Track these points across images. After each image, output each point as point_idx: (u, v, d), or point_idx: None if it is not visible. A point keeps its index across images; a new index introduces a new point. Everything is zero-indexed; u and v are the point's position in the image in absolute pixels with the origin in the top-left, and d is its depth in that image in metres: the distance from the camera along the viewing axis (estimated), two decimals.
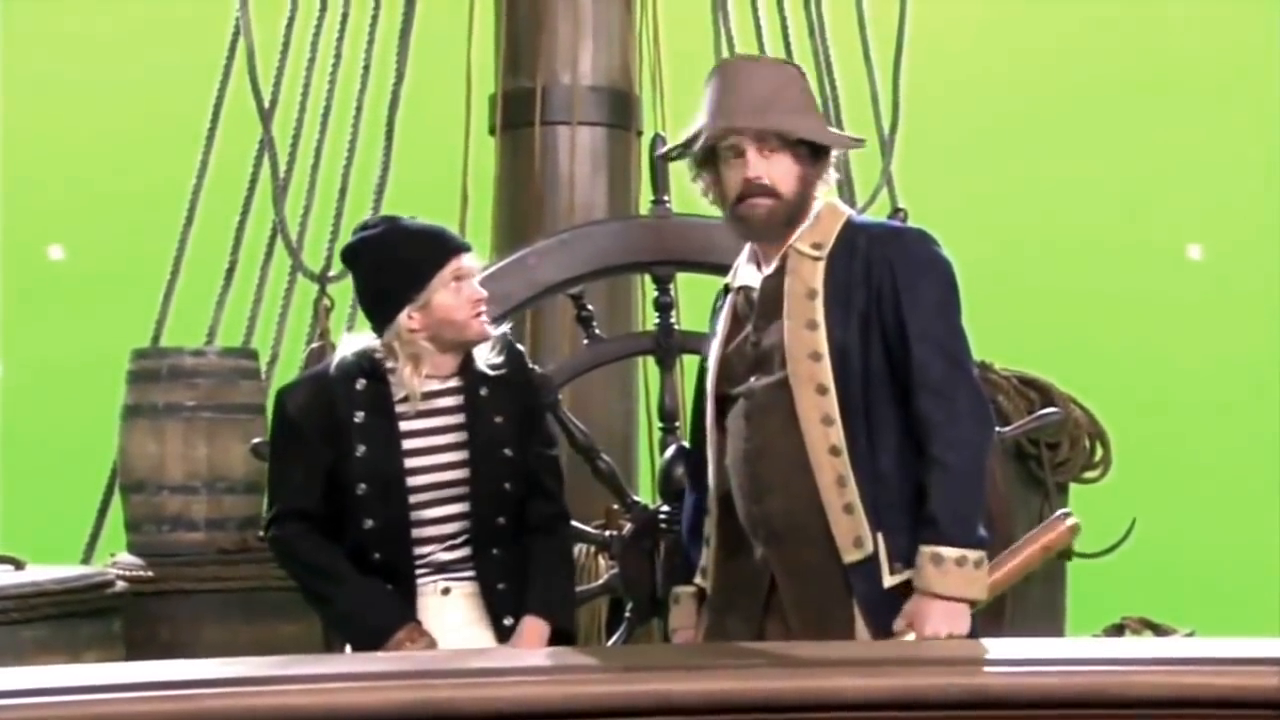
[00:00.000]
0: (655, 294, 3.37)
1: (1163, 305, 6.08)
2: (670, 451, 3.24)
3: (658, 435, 3.63)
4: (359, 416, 2.62)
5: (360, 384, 2.64)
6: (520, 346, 2.80)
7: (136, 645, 3.66)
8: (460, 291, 2.60)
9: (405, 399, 2.63)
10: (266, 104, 4.53)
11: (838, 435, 2.49)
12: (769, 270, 2.61)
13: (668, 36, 4.67)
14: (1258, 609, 5.06)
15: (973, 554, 2.45)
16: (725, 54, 4.62)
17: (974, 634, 2.46)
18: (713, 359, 2.67)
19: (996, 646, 2.21)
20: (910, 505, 2.49)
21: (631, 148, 4.46)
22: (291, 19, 4.69)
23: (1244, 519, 5.77)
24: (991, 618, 2.79)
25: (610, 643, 3.36)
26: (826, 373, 2.50)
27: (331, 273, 4.51)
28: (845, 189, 4.38)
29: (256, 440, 3.50)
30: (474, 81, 4.55)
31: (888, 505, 2.49)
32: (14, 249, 5.69)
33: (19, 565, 3.57)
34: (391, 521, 2.62)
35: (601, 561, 3.45)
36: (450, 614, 2.64)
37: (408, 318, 2.60)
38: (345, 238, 4.55)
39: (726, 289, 2.72)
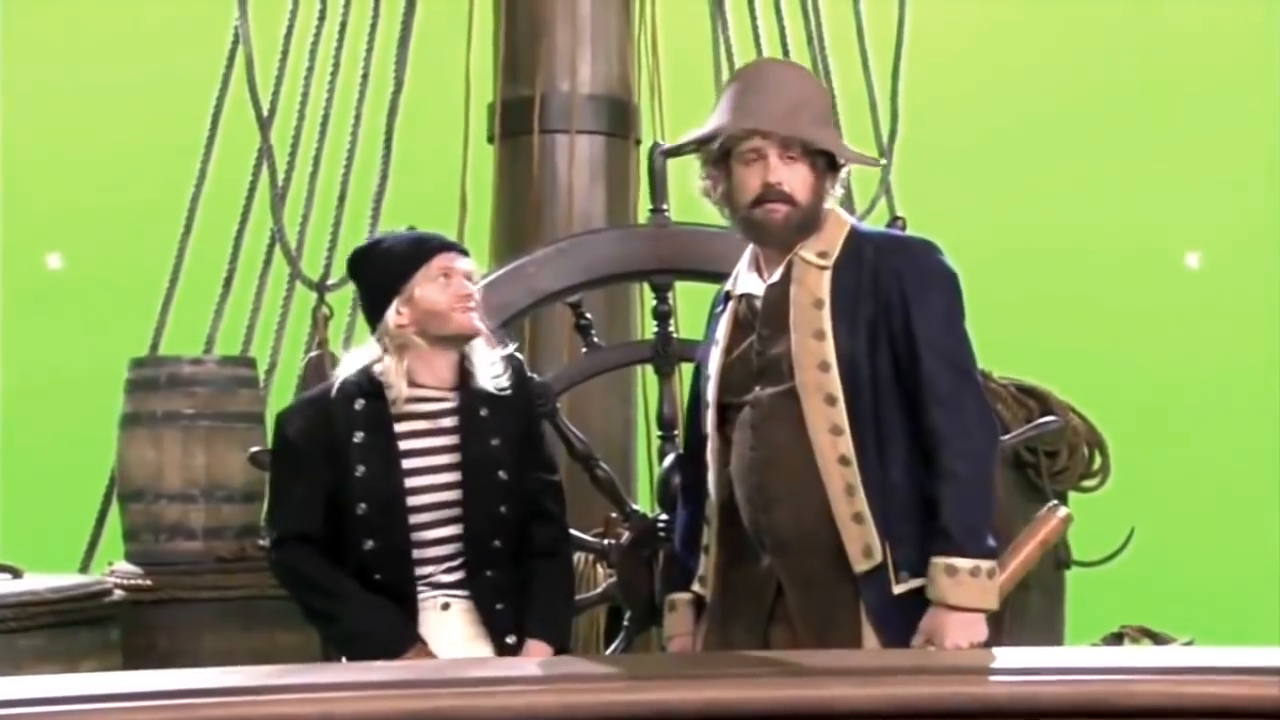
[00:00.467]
0: (654, 302, 3.36)
1: (1161, 313, 6.08)
2: (669, 460, 3.23)
3: (656, 444, 3.62)
4: (358, 436, 2.62)
5: (359, 404, 2.64)
6: (535, 377, 2.80)
7: (134, 654, 3.65)
8: (446, 286, 2.62)
9: (413, 417, 2.63)
10: (265, 112, 4.54)
11: (846, 445, 2.49)
12: (773, 278, 2.61)
13: (666, 45, 4.68)
14: (1257, 617, 5.05)
15: (985, 564, 2.46)
16: (724, 63, 4.63)
17: (989, 643, 2.47)
18: (713, 367, 2.66)
19: (997, 656, 2.21)
20: (917, 515, 2.49)
21: (630, 156, 4.46)
22: (290, 27, 4.69)
23: (1243, 527, 5.77)
24: (990, 627, 2.78)
25: (609, 651, 3.35)
26: (835, 383, 2.50)
27: (330, 281, 4.51)
28: (844, 197, 4.38)
29: (255, 449, 3.49)
30: (473, 90, 4.56)
31: (896, 515, 2.50)
32: (12, 257, 5.68)
33: (16, 574, 3.56)
34: (392, 542, 2.61)
35: (600, 570, 3.44)
36: (450, 629, 2.64)
37: (395, 313, 2.62)
38: (344, 246, 4.64)
39: (727, 296, 2.71)
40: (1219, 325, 6.06)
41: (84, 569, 4.43)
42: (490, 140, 4.49)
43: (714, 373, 2.65)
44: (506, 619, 2.65)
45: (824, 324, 2.52)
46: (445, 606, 2.64)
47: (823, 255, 2.57)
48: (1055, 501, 2.83)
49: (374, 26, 4.62)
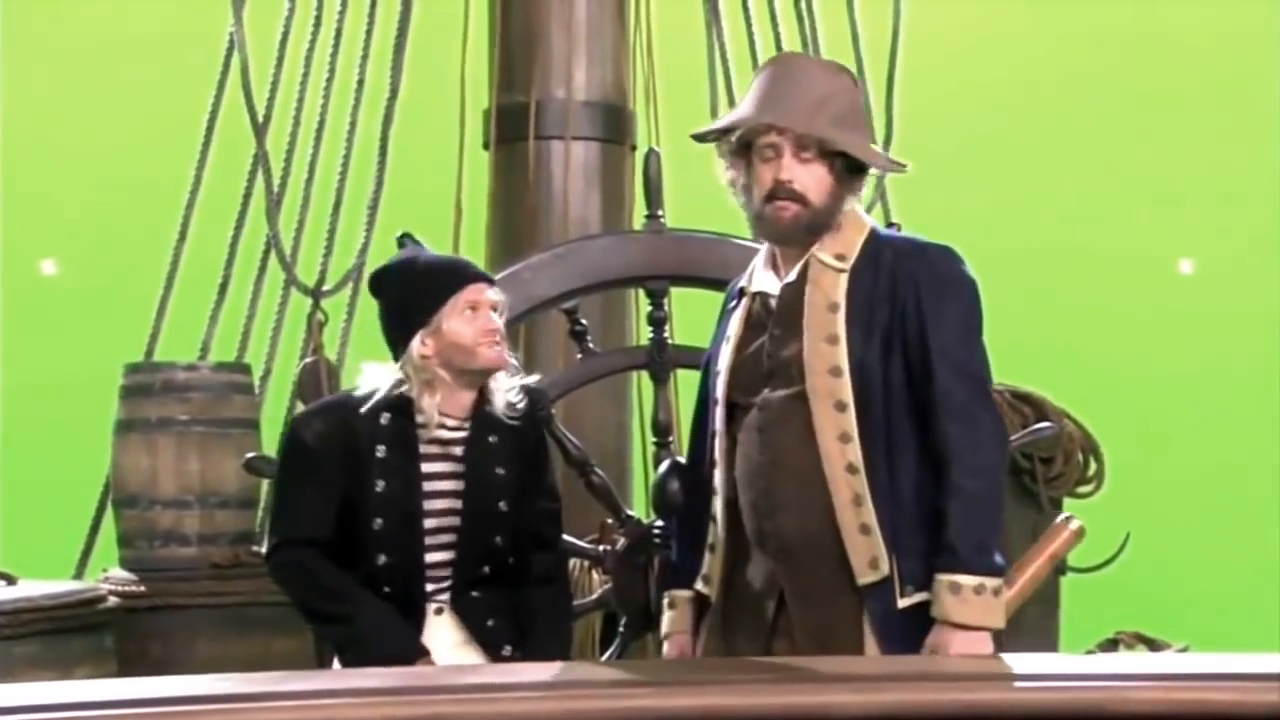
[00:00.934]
0: (649, 308, 3.36)
1: (1155, 319, 6.09)
2: (664, 466, 3.22)
3: (651, 449, 3.62)
4: (381, 451, 2.60)
5: (385, 418, 2.62)
6: (556, 415, 2.78)
7: (128, 661, 3.64)
8: (473, 320, 2.59)
9: (430, 440, 2.62)
10: (260, 118, 4.54)
11: (855, 453, 2.44)
12: (789, 278, 2.56)
13: (661, 51, 4.68)
14: (1252, 623, 5.05)
15: (991, 581, 2.41)
16: (719, 69, 4.64)
17: None
18: (723, 364, 2.60)
19: (991, 662, 2.21)
20: (925, 528, 2.44)
21: (625, 162, 4.46)
22: (286, 33, 4.69)
23: (1238, 533, 5.78)
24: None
25: (604, 658, 3.35)
26: (846, 389, 2.45)
27: (325, 287, 4.51)
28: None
29: (250, 455, 3.48)
30: (468, 96, 4.55)
31: (904, 526, 2.45)
32: (7, 264, 5.68)
33: (10, 580, 3.55)
34: (405, 558, 2.61)
35: (595, 576, 3.44)
36: (444, 633, 2.63)
37: (420, 343, 2.59)
38: (339, 252, 4.64)
39: (741, 292, 2.65)
40: (1213, 331, 6.07)
41: (78, 575, 4.42)
42: (486, 146, 4.49)
43: (724, 369, 2.60)
44: (500, 633, 2.64)
45: (838, 328, 2.47)
46: (439, 611, 2.64)
47: (840, 257, 2.52)
48: (1070, 514, 2.79)
49: (369, 32, 4.62)
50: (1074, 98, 6.16)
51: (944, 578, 2.40)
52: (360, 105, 4.61)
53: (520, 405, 2.67)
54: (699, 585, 2.65)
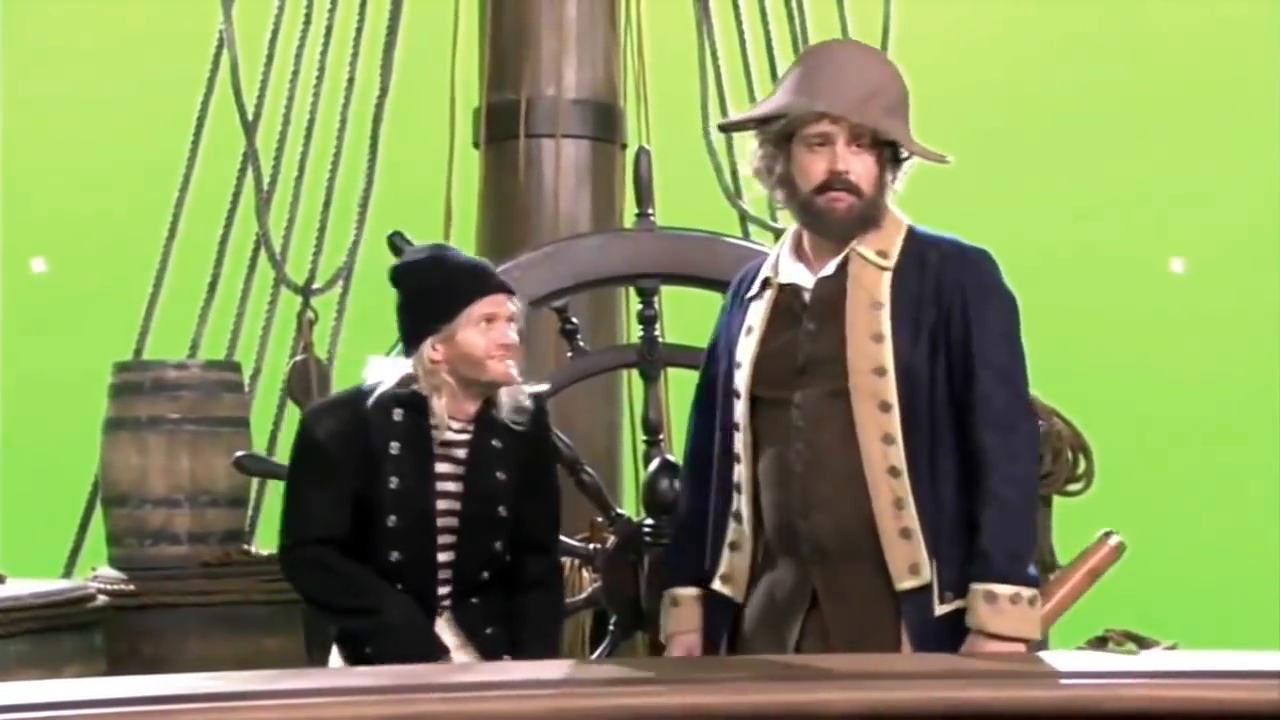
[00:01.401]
0: (639, 307, 3.36)
1: (1146, 318, 6.10)
2: (654, 464, 3.23)
3: (641, 448, 3.62)
4: (394, 448, 2.60)
5: (398, 414, 2.61)
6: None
7: (118, 660, 3.63)
8: (487, 332, 2.57)
9: (443, 442, 2.61)
10: (250, 116, 4.53)
11: (898, 456, 2.40)
12: (825, 271, 2.49)
13: (652, 50, 4.68)
14: (1242, 621, 5.07)
15: (1026, 591, 2.39)
16: (709, 68, 4.63)
17: None
18: (746, 356, 2.51)
19: (981, 661, 2.21)
20: (963, 535, 2.41)
21: (616, 161, 4.46)
22: (275, 31, 4.68)
23: (1227, 531, 5.79)
24: None
25: (594, 656, 3.35)
26: (890, 389, 2.40)
27: (315, 285, 4.50)
28: None
29: (239, 454, 3.48)
30: (458, 94, 4.55)
31: (944, 533, 2.41)
32: None
33: None
34: (418, 555, 2.60)
35: (585, 575, 3.44)
36: (447, 635, 2.64)
37: (431, 348, 2.58)
38: (329, 250, 4.63)
39: (766, 282, 2.56)
40: (1204, 330, 6.08)
41: (67, 574, 4.41)
42: (476, 145, 4.48)
43: (747, 362, 2.51)
44: (497, 641, 2.64)
45: (883, 327, 2.42)
46: (439, 613, 2.64)
47: (882, 254, 2.47)
48: (1110, 529, 2.79)
49: (359, 30, 4.61)
50: (1064, 98, 6.17)
51: (979, 586, 2.37)
52: (350, 103, 4.59)
53: (527, 408, 2.65)
54: (718, 585, 2.56)
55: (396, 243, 3.31)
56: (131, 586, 3.87)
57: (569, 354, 3.38)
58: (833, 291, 2.48)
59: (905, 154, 2.51)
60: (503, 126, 4.38)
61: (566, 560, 3.35)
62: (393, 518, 2.59)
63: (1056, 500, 4.02)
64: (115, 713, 1.76)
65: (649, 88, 4.67)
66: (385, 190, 4.57)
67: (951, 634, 2.40)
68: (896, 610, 2.42)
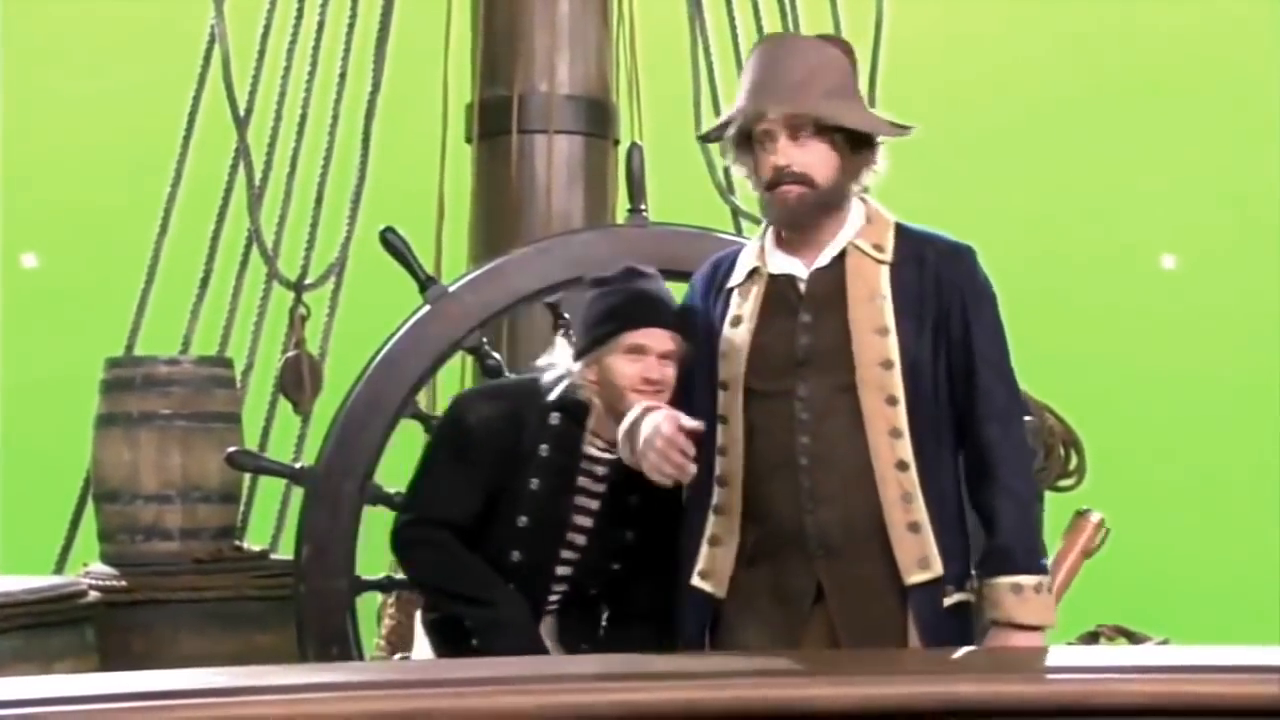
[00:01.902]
0: None
1: (1137, 314, 6.11)
2: None
3: None
4: (544, 450, 2.61)
5: (554, 418, 2.62)
6: None
7: (110, 656, 3.63)
8: (633, 363, 2.54)
9: (589, 456, 2.61)
10: (242, 112, 4.52)
11: (905, 449, 2.40)
12: (820, 263, 2.48)
13: (644, 45, 4.68)
14: (1232, 616, 5.08)
15: (1045, 580, 2.43)
16: (702, 63, 4.64)
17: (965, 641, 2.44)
18: (737, 346, 2.48)
19: (970, 655, 2.21)
20: (962, 528, 2.44)
21: (608, 156, 4.46)
22: (267, 27, 4.68)
23: (1218, 526, 5.81)
24: (965, 626, 2.78)
25: None
26: (897, 382, 2.40)
27: (308, 281, 4.49)
28: None
29: (231, 449, 3.48)
30: (451, 90, 4.54)
31: (947, 526, 2.42)
32: None
33: None
34: (539, 560, 2.62)
35: None
36: (550, 640, 2.66)
37: (586, 367, 2.59)
38: (321, 246, 4.63)
39: (754, 272, 2.52)
40: (1195, 327, 6.09)
41: (58, 570, 4.40)
42: (469, 140, 4.48)
43: (739, 353, 2.48)
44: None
45: (887, 320, 2.42)
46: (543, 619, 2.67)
47: (878, 248, 2.47)
48: (1087, 507, 2.82)
49: (351, 26, 4.61)
50: (1055, 95, 6.17)
51: (1004, 580, 2.39)
52: (342, 98, 4.60)
53: None
54: (697, 581, 2.52)
55: (389, 238, 3.32)
56: (123, 582, 3.86)
57: None
58: (830, 283, 2.47)
59: (857, 129, 2.47)
60: (495, 122, 4.38)
61: None
62: (524, 518, 2.60)
63: (1049, 495, 4.03)
64: (107, 708, 1.76)
65: (641, 83, 4.67)
66: (377, 186, 4.57)
67: (956, 626, 2.42)
68: (902, 604, 2.42)
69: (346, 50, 4.60)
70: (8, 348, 5.61)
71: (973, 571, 2.48)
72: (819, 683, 1.91)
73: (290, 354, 4.39)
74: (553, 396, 2.62)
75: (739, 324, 2.50)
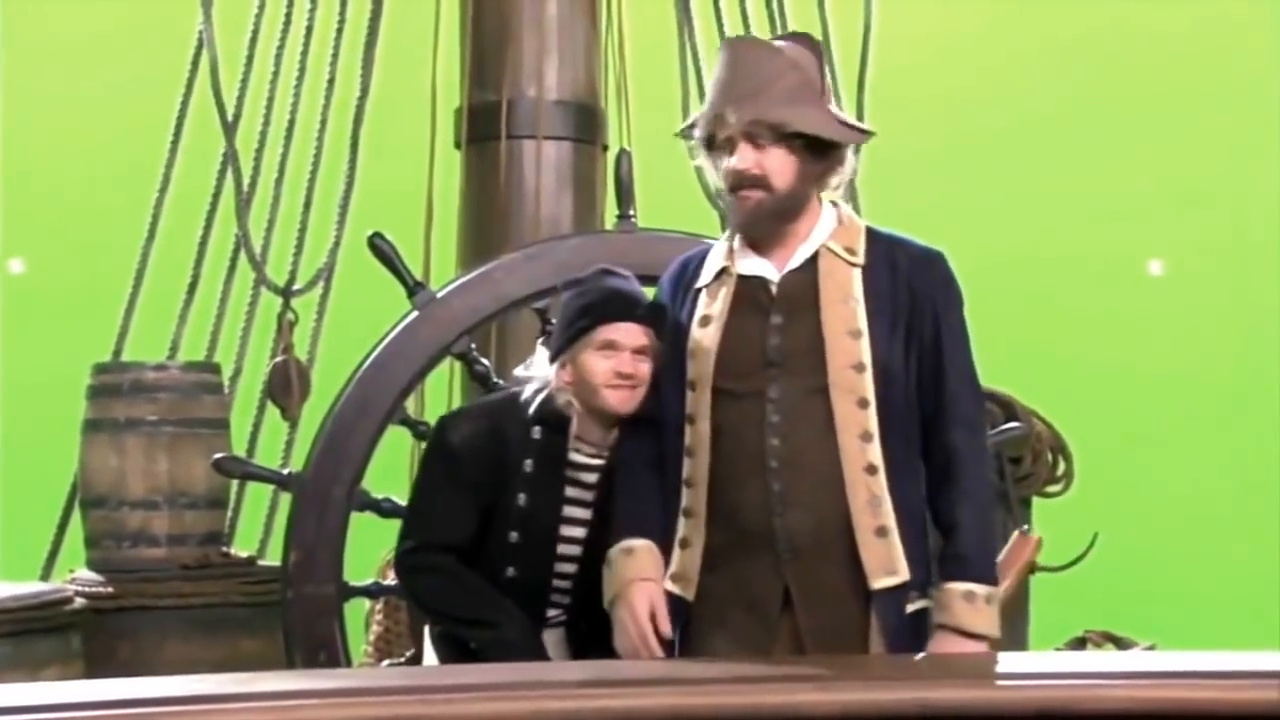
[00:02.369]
0: None
1: (1124, 320, 6.13)
2: None
3: None
4: (528, 465, 2.60)
5: (536, 432, 2.61)
6: None
7: (96, 662, 3.62)
8: (606, 359, 2.54)
9: (569, 463, 2.61)
10: (230, 116, 4.51)
11: (875, 453, 2.38)
12: (792, 264, 2.47)
13: (633, 51, 4.68)
14: (1218, 622, 5.10)
15: (996, 590, 2.43)
16: (690, 68, 4.64)
17: None
18: (707, 347, 2.46)
19: (959, 661, 2.21)
20: (923, 534, 2.43)
21: (597, 162, 4.46)
22: (255, 31, 4.67)
23: (1205, 532, 5.82)
24: None
25: None
26: (868, 386, 2.39)
27: (296, 286, 4.49)
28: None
29: (219, 455, 3.47)
30: (439, 95, 4.54)
31: (913, 532, 2.42)
32: None
33: None
34: (534, 574, 2.62)
35: None
36: (552, 652, 2.66)
37: (560, 367, 2.59)
38: (309, 252, 4.62)
39: (723, 272, 2.51)
40: (1181, 332, 6.11)
41: (45, 577, 4.39)
42: (457, 145, 4.48)
43: (707, 353, 2.46)
44: None
45: (859, 322, 2.41)
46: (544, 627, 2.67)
47: (850, 251, 2.47)
48: (1025, 526, 2.83)
49: (340, 31, 4.60)
50: (1043, 100, 6.19)
51: (958, 586, 2.38)
52: (331, 103, 4.59)
53: None
54: (669, 585, 2.48)
55: (377, 244, 3.31)
56: (110, 589, 3.85)
57: None
58: (802, 285, 2.46)
59: (812, 134, 2.44)
60: (484, 127, 4.37)
61: None
62: (514, 534, 2.60)
63: (1036, 500, 4.04)
64: (93, 715, 1.75)
65: (630, 88, 4.67)
66: (366, 191, 4.56)
67: (917, 633, 2.42)
68: (865, 609, 2.41)
69: (335, 55, 4.59)
70: None
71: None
72: (802, 688, 1.91)
73: (278, 359, 4.38)
74: (532, 410, 2.61)
75: (708, 324, 2.49)
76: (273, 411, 4.47)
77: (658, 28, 4.70)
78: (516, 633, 2.58)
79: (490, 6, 4.43)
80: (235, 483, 4.24)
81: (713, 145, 2.49)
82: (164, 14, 5.11)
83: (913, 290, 2.46)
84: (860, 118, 4.74)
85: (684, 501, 2.49)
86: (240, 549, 4.22)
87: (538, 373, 2.64)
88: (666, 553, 2.51)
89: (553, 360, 2.61)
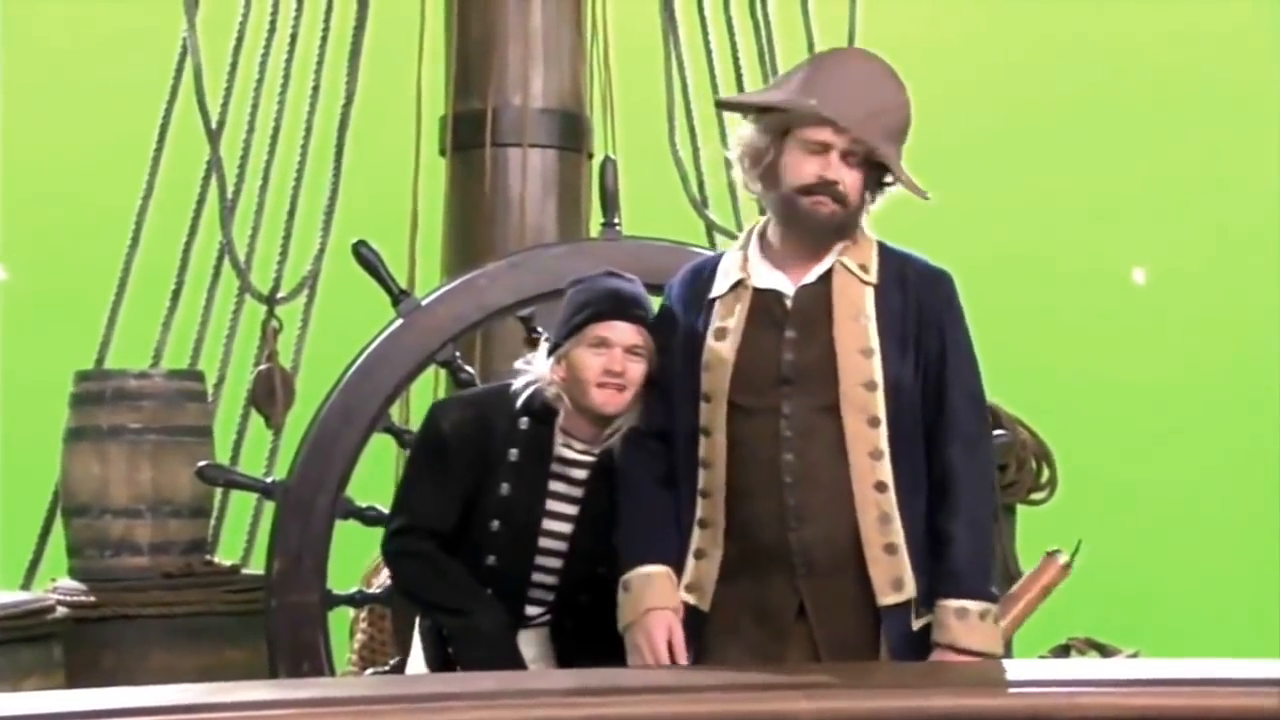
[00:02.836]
0: None
1: (1108, 328, 6.15)
2: None
3: None
4: (513, 455, 2.61)
5: (523, 422, 2.63)
6: None
7: (79, 671, 3.60)
8: (597, 356, 2.55)
9: (557, 458, 2.62)
10: (214, 124, 4.51)
11: (885, 471, 2.41)
12: (807, 279, 2.49)
13: (618, 59, 4.69)
14: (1203, 629, 5.11)
15: (993, 607, 2.43)
16: (675, 77, 4.64)
17: None
18: (722, 360, 2.47)
19: (944, 668, 2.22)
20: (929, 550, 2.44)
21: (582, 170, 4.46)
22: (240, 38, 4.66)
23: (1189, 539, 5.84)
24: None
25: None
26: (879, 404, 2.41)
27: (280, 294, 4.48)
28: None
29: (203, 463, 3.46)
30: (424, 102, 4.54)
31: (919, 549, 2.43)
32: None
33: None
34: (514, 565, 2.62)
35: None
36: (526, 648, 2.65)
37: (556, 362, 2.60)
38: (293, 259, 4.61)
39: (739, 284, 2.51)
40: (1165, 340, 6.13)
41: (26, 585, 4.36)
42: (442, 153, 4.47)
43: (723, 366, 2.47)
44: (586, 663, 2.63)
45: (871, 341, 2.43)
46: (525, 627, 2.66)
47: (863, 268, 2.49)
48: (1057, 548, 2.82)
49: (324, 38, 4.60)
50: (1027, 107, 6.21)
51: (951, 603, 2.39)
52: (315, 111, 4.58)
53: None
54: (683, 595, 2.49)
55: (362, 251, 3.31)
56: (92, 598, 3.83)
57: None
58: (816, 301, 2.48)
59: (889, 180, 2.52)
60: (469, 135, 4.37)
61: None
62: (496, 523, 2.61)
63: (1021, 508, 4.05)
64: None
65: (615, 97, 4.67)
66: (350, 199, 4.55)
67: (921, 649, 2.42)
68: (878, 623, 2.43)
69: (320, 62, 4.59)
70: None
71: None
72: (794, 696, 1.91)
73: (262, 367, 4.37)
74: (521, 401, 2.63)
75: (724, 337, 2.49)
76: (257, 419, 4.46)
77: (643, 36, 4.71)
78: (490, 623, 2.59)
79: (475, 14, 4.43)
80: (219, 491, 4.23)
81: (787, 132, 2.48)
82: (151, 23, 5.10)
83: (921, 306, 2.49)
84: None
85: (700, 512, 2.50)
86: (224, 558, 4.21)
87: (536, 368, 2.65)
88: (678, 567, 2.52)
89: (549, 355, 2.64)
